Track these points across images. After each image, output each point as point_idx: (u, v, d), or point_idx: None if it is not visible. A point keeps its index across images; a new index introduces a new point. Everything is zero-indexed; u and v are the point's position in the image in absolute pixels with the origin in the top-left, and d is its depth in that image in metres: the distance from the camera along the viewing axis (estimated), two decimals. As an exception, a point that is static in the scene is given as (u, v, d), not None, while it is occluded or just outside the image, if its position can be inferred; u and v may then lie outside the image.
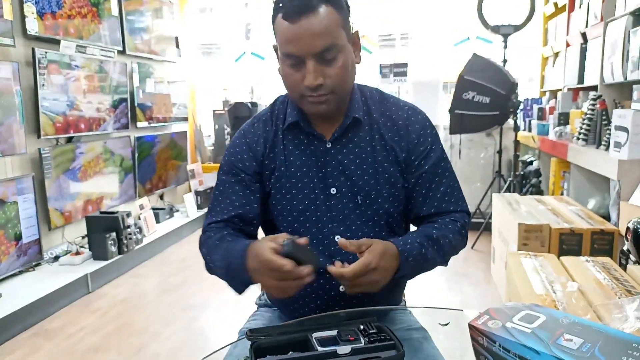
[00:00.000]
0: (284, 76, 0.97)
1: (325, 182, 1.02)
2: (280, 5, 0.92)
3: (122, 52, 3.80)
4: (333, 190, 1.02)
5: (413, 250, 0.92)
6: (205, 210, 4.52)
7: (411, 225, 1.15)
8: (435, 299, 2.76)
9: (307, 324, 0.76)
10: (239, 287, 0.94)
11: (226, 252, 0.94)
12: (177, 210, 4.50)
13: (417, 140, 1.03)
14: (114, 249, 3.22)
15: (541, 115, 3.99)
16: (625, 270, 1.78)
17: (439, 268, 1.03)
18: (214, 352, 0.96)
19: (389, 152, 1.02)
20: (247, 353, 0.72)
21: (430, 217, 1.04)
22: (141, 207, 3.78)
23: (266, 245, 0.83)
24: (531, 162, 4.22)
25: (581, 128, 2.86)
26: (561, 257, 2.01)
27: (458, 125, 3.67)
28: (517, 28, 3.99)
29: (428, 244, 0.95)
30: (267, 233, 1.13)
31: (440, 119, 4.52)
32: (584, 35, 3.37)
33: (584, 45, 3.40)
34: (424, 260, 0.94)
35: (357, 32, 0.99)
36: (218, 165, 5.79)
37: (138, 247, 3.49)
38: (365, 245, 0.88)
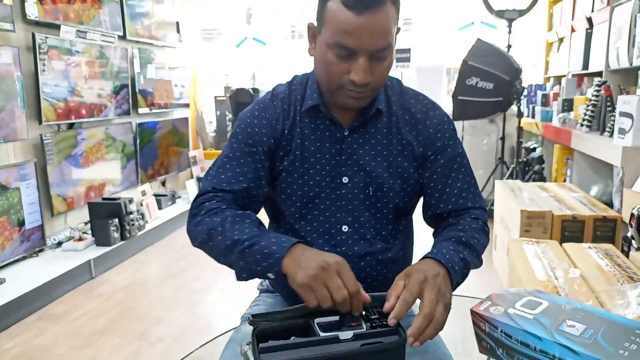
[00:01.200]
0: (325, 63, 0.91)
1: (337, 170, 1.00)
2: None
3: (123, 38, 3.77)
4: (345, 179, 1.00)
5: (454, 257, 0.86)
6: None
7: (411, 223, 1.12)
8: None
9: (309, 309, 0.76)
10: (246, 271, 0.85)
11: (254, 233, 0.85)
12: (179, 197, 4.51)
13: (435, 136, 1.01)
14: (116, 235, 3.23)
15: (545, 102, 3.97)
16: (627, 256, 1.78)
17: None
18: (217, 337, 0.97)
19: (404, 147, 1.00)
20: (249, 338, 0.72)
21: (448, 215, 1.02)
22: (143, 193, 3.79)
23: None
24: (534, 149, 4.20)
25: (585, 114, 2.84)
26: (563, 244, 2.01)
27: (461, 111, 3.65)
28: (521, 13, 3.94)
29: (462, 248, 0.90)
30: (270, 216, 1.12)
31: (443, 105, 4.50)
32: (589, 20, 3.33)
33: (589, 31, 3.36)
34: (465, 266, 0.89)
35: (398, 29, 0.94)
36: (220, 152, 5.85)
37: (140, 233, 3.51)
38: (399, 287, 0.79)
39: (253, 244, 0.84)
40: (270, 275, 0.83)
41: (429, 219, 1.06)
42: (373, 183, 1.00)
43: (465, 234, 0.94)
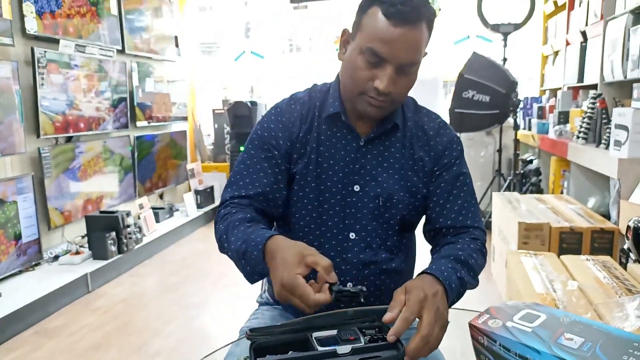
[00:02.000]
0: (352, 67, 0.95)
1: (350, 178, 1.02)
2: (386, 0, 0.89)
3: (122, 52, 3.79)
4: (356, 188, 1.02)
5: (451, 276, 0.87)
6: (205, 209, 4.56)
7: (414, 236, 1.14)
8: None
9: (307, 323, 0.76)
10: (252, 277, 0.90)
11: (244, 236, 0.89)
12: (177, 210, 4.50)
13: (443, 153, 1.04)
14: (113, 248, 3.22)
15: (541, 114, 3.99)
16: (625, 269, 1.78)
17: None
18: (215, 352, 0.96)
19: (415, 162, 1.03)
20: (247, 352, 0.72)
21: (447, 232, 1.03)
22: (141, 206, 3.78)
23: (295, 261, 0.78)
24: (531, 161, 4.22)
25: (581, 127, 2.86)
26: (561, 256, 2.01)
27: (458, 123, 3.67)
28: (517, 27, 3.99)
29: (459, 267, 0.91)
30: (280, 216, 1.12)
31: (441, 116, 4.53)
32: (583, 33, 3.37)
33: (583, 44, 3.39)
34: (461, 285, 0.89)
35: (425, 54, 0.98)
36: (218, 164, 5.78)
37: (138, 246, 3.49)
38: (401, 299, 0.78)
39: (245, 252, 0.88)
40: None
41: (427, 233, 1.07)
42: (383, 194, 1.02)
43: (464, 252, 0.94)
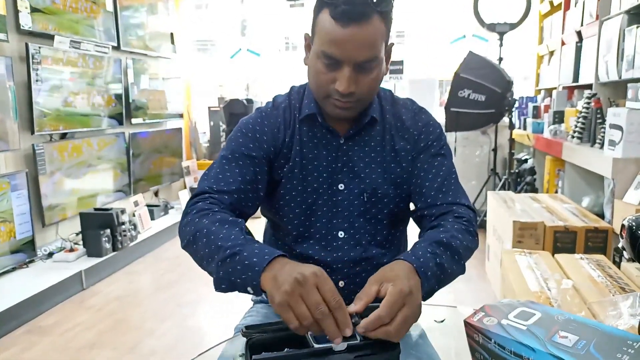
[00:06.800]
0: (314, 72, 0.96)
1: (333, 177, 1.03)
2: (331, 2, 0.88)
3: (117, 48, 3.77)
4: (341, 186, 1.03)
5: (429, 262, 0.81)
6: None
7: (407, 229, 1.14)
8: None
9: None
10: (226, 282, 0.79)
11: (244, 240, 0.80)
12: (172, 207, 4.49)
13: (419, 137, 1.04)
14: (108, 245, 3.21)
15: (536, 114, 4.01)
16: (619, 267, 1.79)
17: None
18: (210, 349, 0.96)
19: (397, 153, 1.04)
20: (242, 350, 0.72)
21: (430, 212, 1.00)
22: (136, 203, 3.77)
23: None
24: (526, 160, 4.23)
25: (576, 126, 2.88)
26: (555, 255, 2.02)
27: (453, 122, 3.68)
28: (512, 26, 4.00)
29: (440, 251, 0.85)
30: (268, 221, 1.13)
31: (436, 116, 4.54)
32: (579, 33, 3.39)
33: (579, 44, 3.41)
34: (442, 272, 0.83)
35: (391, 44, 0.98)
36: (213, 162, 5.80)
37: (132, 244, 3.48)
38: (371, 292, 0.75)
39: (235, 254, 0.78)
40: (249, 289, 0.77)
41: (414, 217, 1.06)
42: (367, 189, 1.02)
43: (446, 234, 0.89)
